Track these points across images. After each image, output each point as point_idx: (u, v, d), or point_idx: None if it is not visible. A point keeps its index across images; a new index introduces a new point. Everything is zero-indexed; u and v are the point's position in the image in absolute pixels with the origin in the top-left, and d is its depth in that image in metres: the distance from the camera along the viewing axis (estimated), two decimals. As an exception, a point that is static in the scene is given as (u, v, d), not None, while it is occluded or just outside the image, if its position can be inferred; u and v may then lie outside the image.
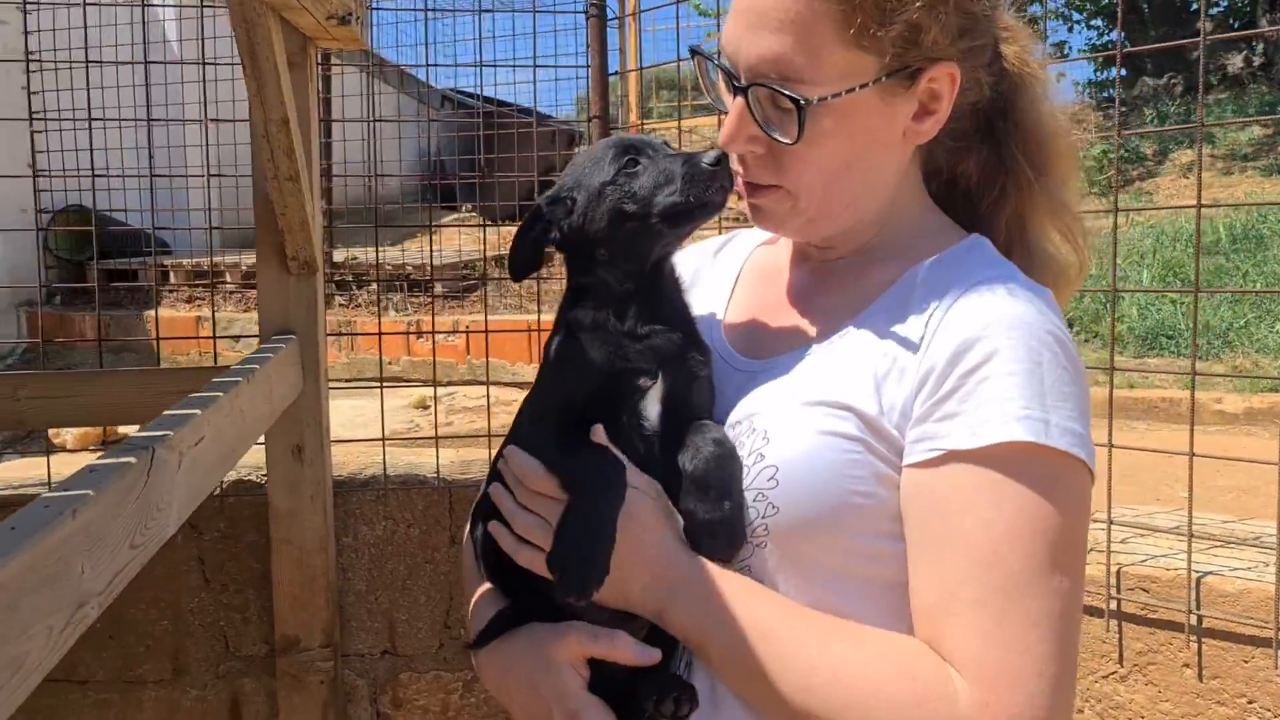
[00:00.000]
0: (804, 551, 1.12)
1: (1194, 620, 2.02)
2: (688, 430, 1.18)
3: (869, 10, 1.08)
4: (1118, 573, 2.15)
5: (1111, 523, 2.21)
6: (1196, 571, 2.04)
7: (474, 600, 1.35)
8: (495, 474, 1.28)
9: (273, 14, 2.19)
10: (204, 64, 4.12)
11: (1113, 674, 2.14)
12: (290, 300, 2.74)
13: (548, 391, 1.26)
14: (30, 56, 7.29)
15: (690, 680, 1.16)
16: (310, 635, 2.91)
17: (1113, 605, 2.15)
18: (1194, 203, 2.00)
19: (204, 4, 2.94)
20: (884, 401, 1.10)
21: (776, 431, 1.13)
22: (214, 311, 4.72)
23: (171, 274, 8.31)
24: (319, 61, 2.84)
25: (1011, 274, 1.14)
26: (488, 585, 1.34)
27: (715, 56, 1.19)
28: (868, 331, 1.15)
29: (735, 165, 1.22)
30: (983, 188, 1.28)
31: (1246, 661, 1.97)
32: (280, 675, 2.94)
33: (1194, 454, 1.99)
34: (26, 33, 7.42)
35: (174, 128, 6.48)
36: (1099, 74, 13.67)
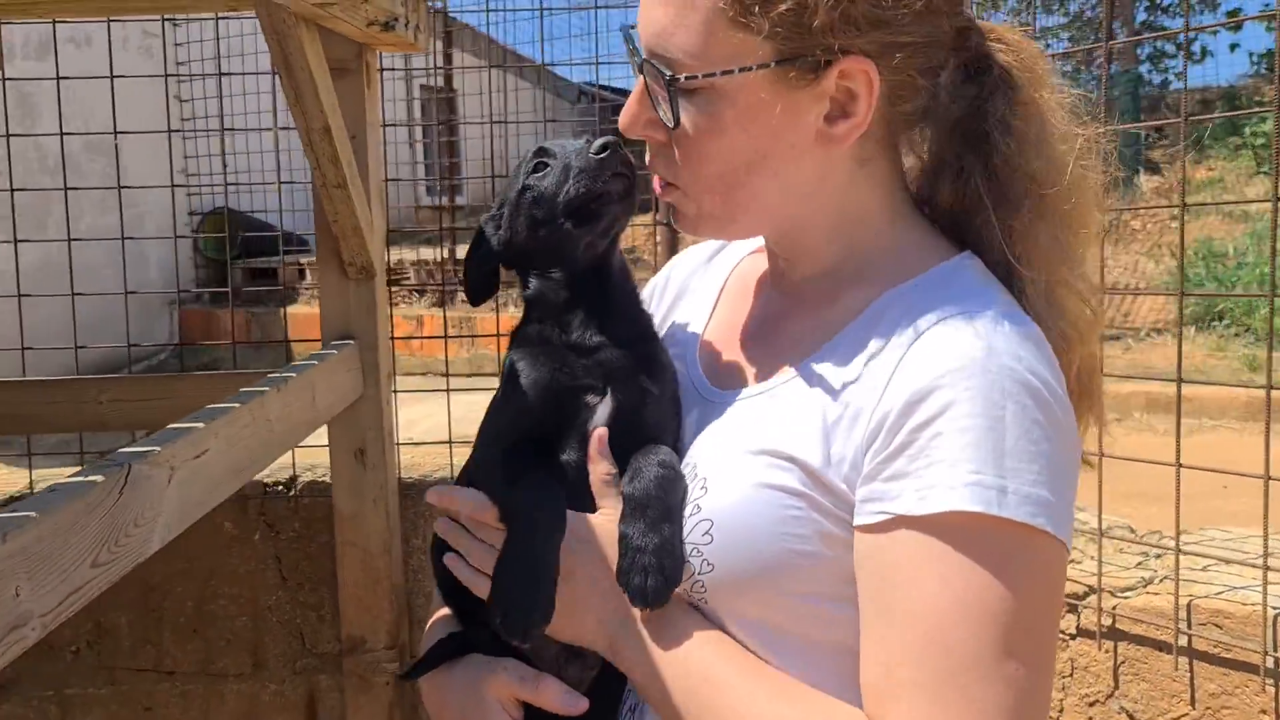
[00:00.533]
0: (743, 610, 1.03)
1: (1270, 663, 1.81)
2: (636, 452, 1.10)
3: None
4: (1189, 606, 1.95)
5: (1180, 551, 2.00)
6: (1275, 608, 1.83)
7: (429, 623, 1.31)
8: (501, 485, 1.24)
9: (305, 24, 2.19)
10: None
11: (1184, 716, 1.95)
12: (350, 305, 2.77)
13: (496, 412, 1.22)
14: (180, 69, 7.68)
15: None
16: (375, 636, 2.95)
17: (1183, 641, 1.95)
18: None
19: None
20: (833, 452, 1.00)
21: (715, 481, 1.04)
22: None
23: (308, 272, 8.64)
24: (380, 66, 2.85)
25: (991, 305, 1.00)
26: (444, 610, 1.30)
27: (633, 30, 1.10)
28: (825, 370, 1.04)
29: (648, 158, 1.13)
30: (966, 219, 1.13)
31: (1331, 711, 1.76)
32: (347, 675, 2.99)
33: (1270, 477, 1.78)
34: (176, 45, 7.82)
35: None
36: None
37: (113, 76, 3.33)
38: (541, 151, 1.14)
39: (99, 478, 1.44)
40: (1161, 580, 2.02)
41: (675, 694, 1.01)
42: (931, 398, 0.95)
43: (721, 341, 1.23)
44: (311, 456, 3.26)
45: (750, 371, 1.15)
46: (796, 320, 1.14)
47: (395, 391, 3.01)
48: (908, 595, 0.93)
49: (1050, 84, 1.11)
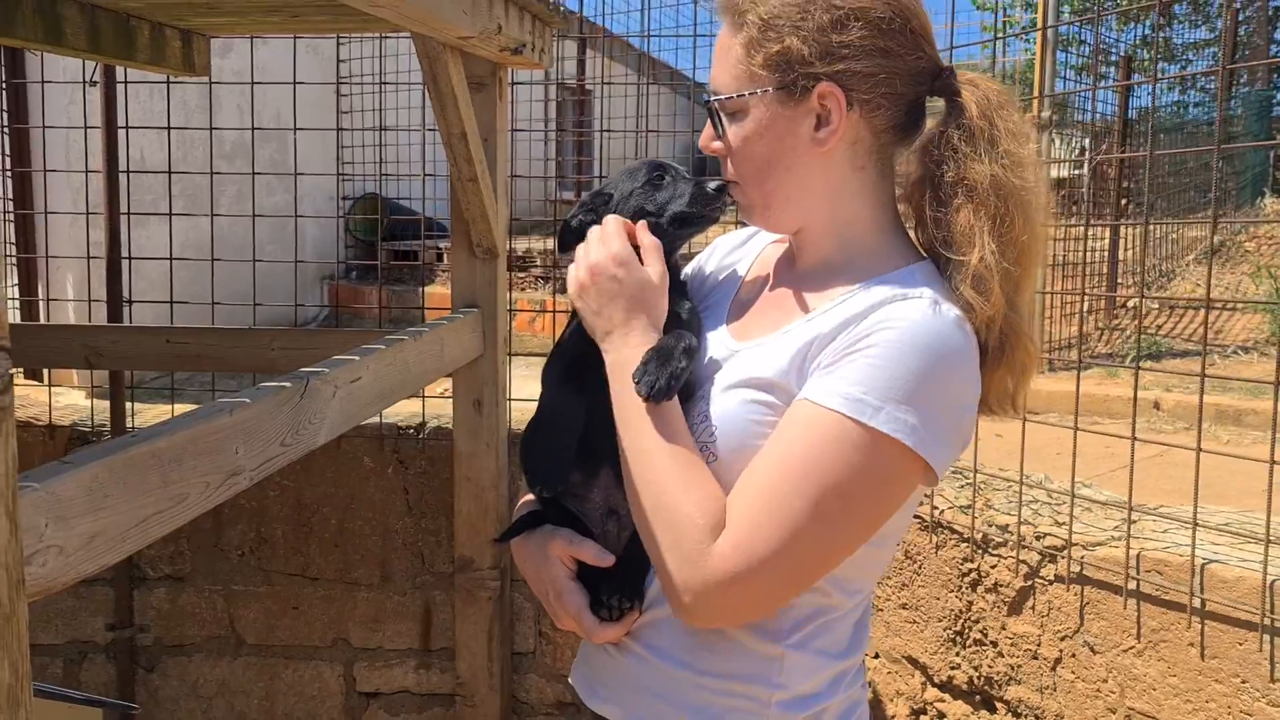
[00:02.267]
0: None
1: (1197, 603, 2.20)
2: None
3: (759, 39, 1.44)
4: (1138, 557, 2.34)
5: (1132, 509, 2.39)
6: (1201, 558, 2.21)
7: (518, 504, 1.81)
8: (548, 385, 1.70)
9: (450, 51, 2.76)
10: (545, 83, 4.91)
11: (1131, 649, 2.34)
12: (476, 279, 3.34)
13: (565, 336, 1.70)
14: (340, 79, 8.46)
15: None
16: (482, 558, 3.52)
17: (1132, 586, 2.34)
18: None
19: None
20: (802, 379, 1.45)
21: (718, 400, 1.51)
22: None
23: (445, 255, 9.38)
24: (511, 81, 3.41)
25: (933, 299, 1.37)
26: (529, 495, 1.79)
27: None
28: (807, 328, 1.48)
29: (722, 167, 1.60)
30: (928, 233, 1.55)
31: (1240, 644, 2.13)
32: (458, 590, 3.57)
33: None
34: (339, 61, 8.60)
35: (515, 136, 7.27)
36: None
37: (295, 83, 3.98)
38: (661, 168, 1.61)
39: (288, 384, 2.02)
40: (1122, 539, 2.41)
41: (625, 410, 1.44)
42: (865, 338, 1.37)
43: (744, 306, 1.69)
44: (438, 408, 3.85)
45: (758, 329, 1.60)
46: (796, 297, 1.60)
47: (510, 354, 3.57)
48: (781, 442, 1.35)
49: (1004, 115, 1.48)
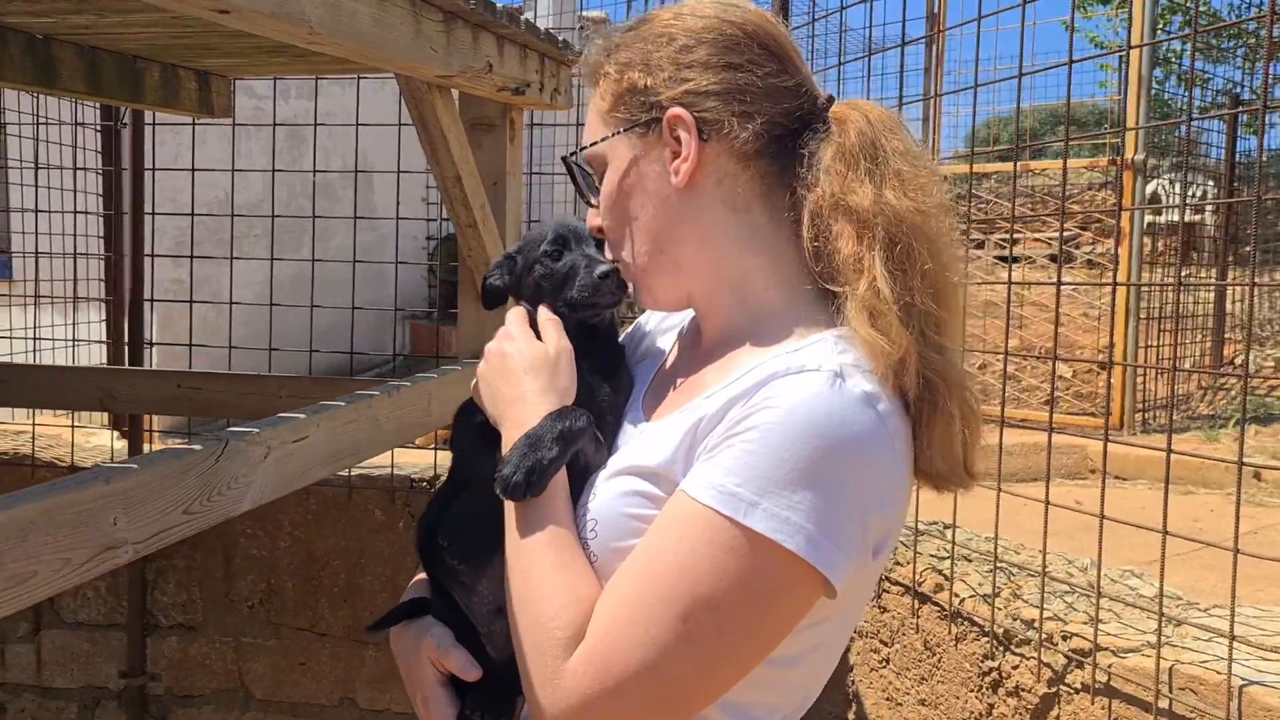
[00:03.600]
0: None
1: (1235, 732, 1.87)
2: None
3: (607, 83, 1.31)
4: (1170, 670, 2.01)
5: (1162, 616, 2.06)
6: (1240, 678, 1.88)
7: (409, 585, 1.63)
8: (452, 471, 1.56)
9: (439, 90, 2.62)
10: (578, 125, 4.79)
11: (1163, 777, 2.01)
12: (484, 330, 3.18)
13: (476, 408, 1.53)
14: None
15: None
16: (486, 622, 3.33)
17: (1163, 704, 2.01)
18: None
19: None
20: (687, 468, 1.25)
21: (599, 491, 1.32)
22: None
23: (525, 297, 9.33)
24: (529, 122, 3.26)
25: (833, 374, 1.17)
26: (420, 575, 1.61)
27: None
28: (698, 411, 1.29)
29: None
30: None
31: (1287, 786, 1.79)
32: (461, 653, 3.38)
33: None
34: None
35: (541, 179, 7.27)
36: None
37: (397, 124, 3.92)
38: (561, 240, 1.45)
39: (198, 446, 1.87)
40: (1160, 645, 2.09)
41: (509, 539, 1.27)
42: (743, 423, 1.18)
43: (662, 380, 1.50)
44: (453, 459, 3.70)
45: (665, 406, 1.41)
46: (700, 370, 1.40)
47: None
48: (651, 542, 1.17)
49: (889, 136, 1.29)
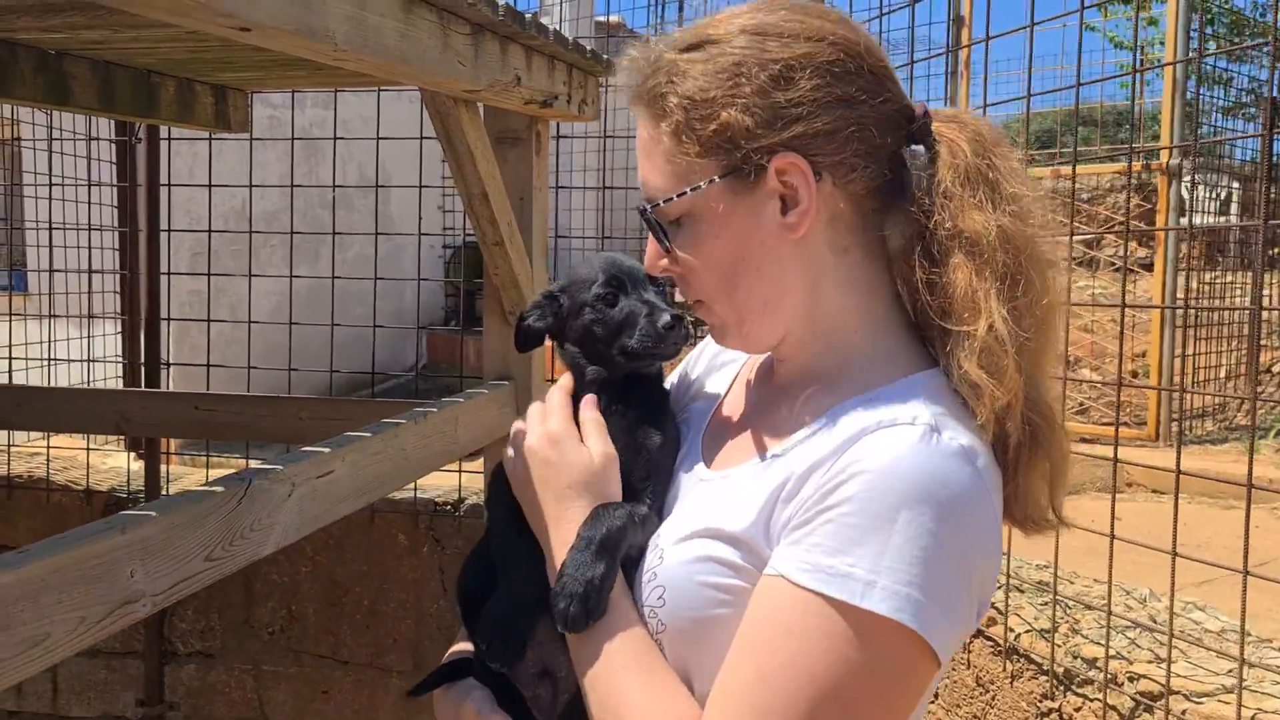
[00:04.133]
0: (698, 659, 1.19)
1: (1327, 788, 1.74)
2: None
3: (684, 119, 1.15)
4: (1254, 718, 1.89)
5: (1244, 662, 1.93)
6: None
7: (452, 648, 1.52)
8: (489, 532, 1.46)
9: (465, 105, 2.51)
10: (601, 137, 4.69)
11: (1244, 833, 1.89)
12: (509, 349, 3.06)
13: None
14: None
15: None
16: (514, 651, 3.22)
17: (1245, 755, 1.89)
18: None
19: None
20: (770, 532, 1.14)
21: (669, 553, 1.20)
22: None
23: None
24: (557, 134, 3.15)
25: (929, 424, 1.08)
26: (464, 644, 1.51)
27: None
28: (781, 463, 1.18)
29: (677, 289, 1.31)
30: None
31: None
32: (488, 683, 3.27)
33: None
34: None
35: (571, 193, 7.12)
36: None
37: (419, 138, 3.82)
38: (616, 283, 1.33)
39: (220, 488, 1.76)
40: (1239, 689, 1.96)
41: (580, 664, 1.17)
42: (841, 489, 1.06)
43: (722, 424, 1.38)
44: (477, 482, 3.59)
45: (733, 456, 1.29)
46: (773, 415, 1.28)
47: (549, 429, 3.28)
48: (759, 635, 1.06)
49: (1002, 154, 1.18)
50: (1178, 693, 2.06)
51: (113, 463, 4.01)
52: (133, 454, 4.05)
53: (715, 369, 1.48)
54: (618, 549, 1.22)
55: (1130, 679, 2.17)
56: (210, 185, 3.71)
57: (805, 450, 1.15)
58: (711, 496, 1.22)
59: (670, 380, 1.54)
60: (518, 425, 1.34)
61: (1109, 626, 2.25)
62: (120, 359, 4.81)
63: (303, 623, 3.62)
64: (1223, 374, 6.13)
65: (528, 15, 2.47)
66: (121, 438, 4.43)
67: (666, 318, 1.28)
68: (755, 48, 1.15)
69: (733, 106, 1.13)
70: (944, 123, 1.21)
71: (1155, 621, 2.40)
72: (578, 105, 2.97)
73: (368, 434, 2.27)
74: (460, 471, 3.56)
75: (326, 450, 2.10)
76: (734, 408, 1.38)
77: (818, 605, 1.03)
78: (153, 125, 3.64)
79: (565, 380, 1.35)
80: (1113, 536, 2.27)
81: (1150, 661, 2.20)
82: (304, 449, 2.09)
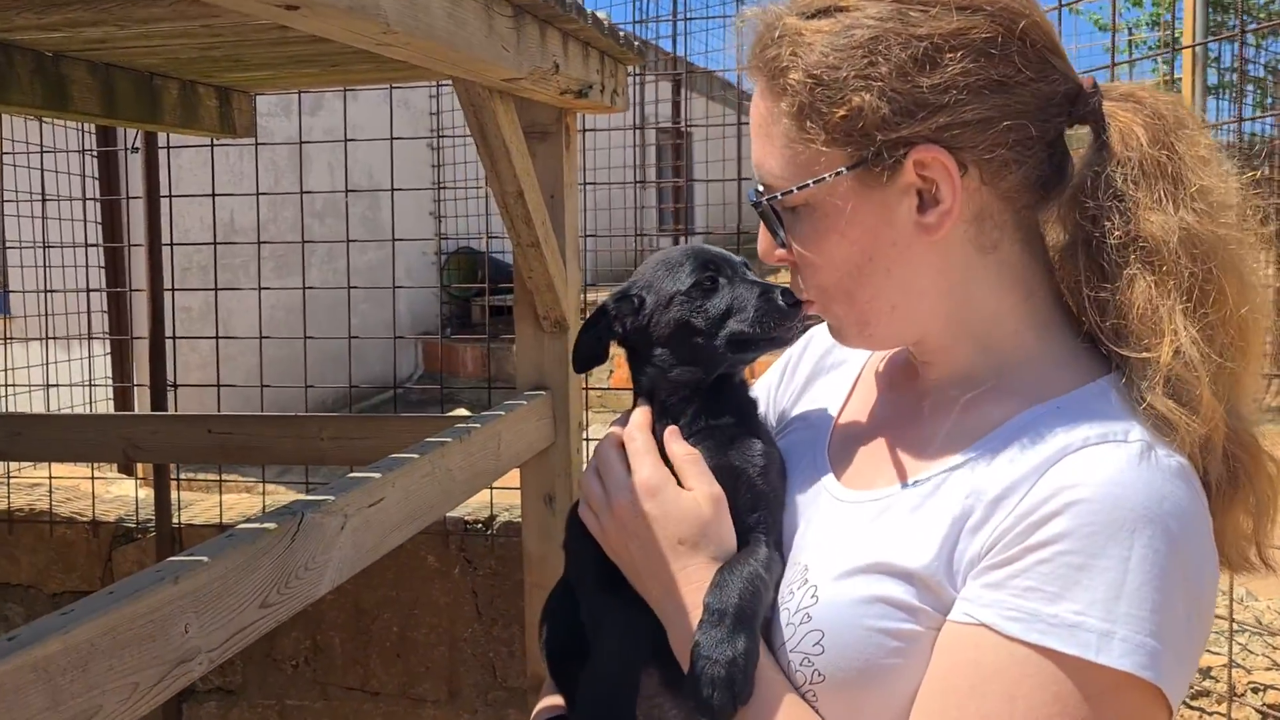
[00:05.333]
0: (854, 715, 1.02)
1: None
2: (724, 563, 1.12)
3: (809, 100, 0.99)
4: None
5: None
6: None
7: (537, 709, 1.35)
8: (569, 568, 1.29)
9: (500, 96, 2.33)
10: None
11: None
12: (544, 357, 2.89)
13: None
14: (434, 133, 8.26)
15: None
16: (558, 676, 3.04)
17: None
18: None
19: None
20: (953, 570, 0.97)
21: (826, 591, 1.03)
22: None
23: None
24: (582, 128, 2.98)
25: (1130, 436, 0.95)
26: (553, 698, 1.33)
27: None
28: (954, 484, 1.01)
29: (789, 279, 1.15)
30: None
31: None
32: (531, 711, 3.09)
33: None
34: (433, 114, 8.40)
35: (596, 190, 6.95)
36: None
37: (391, 138, 3.64)
38: (712, 265, 1.19)
39: (272, 525, 1.58)
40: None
41: None
42: (1054, 521, 0.90)
43: (853, 433, 1.20)
44: (509, 498, 3.41)
45: (878, 472, 1.11)
46: (929, 425, 1.10)
47: (586, 440, 3.10)
48: (967, 700, 0.90)
49: (1187, 138, 1.02)
50: (1315, 705, 1.91)
51: (117, 491, 3.81)
52: (138, 480, 3.84)
53: (825, 370, 1.31)
54: (755, 618, 1.05)
55: (1254, 690, 2.01)
56: (214, 195, 3.51)
57: (989, 471, 0.98)
58: (868, 523, 1.05)
59: (764, 384, 1.38)
60: (588, 479, 1.17)
61: (1230, 632, 2.10)
62: (108, 382, 4.61)
63: (329, 654, 3.43)
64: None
65: (563, -4, 2.29)
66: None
67: (789, 295, 1.13)
68: (895, 20, 0.98)
69: (866, 90, 0.96)
70: (1116, 102, 1.03)
71: (1260, 624, 2.25)
72: (610, 96, 2.80)
73: (415, 455, 2.09)
74: (491, 487, 3.37)
75: (376, 476, 1.92)
76: (864, 414, 1.20)
77: (1039, 662, 0.87)
78: (150, 134, 3.44)
79: (641, 414, 1.18)
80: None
81: (1270, 669, 2.04)
82: (352, 475, 1.91)
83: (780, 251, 1.10)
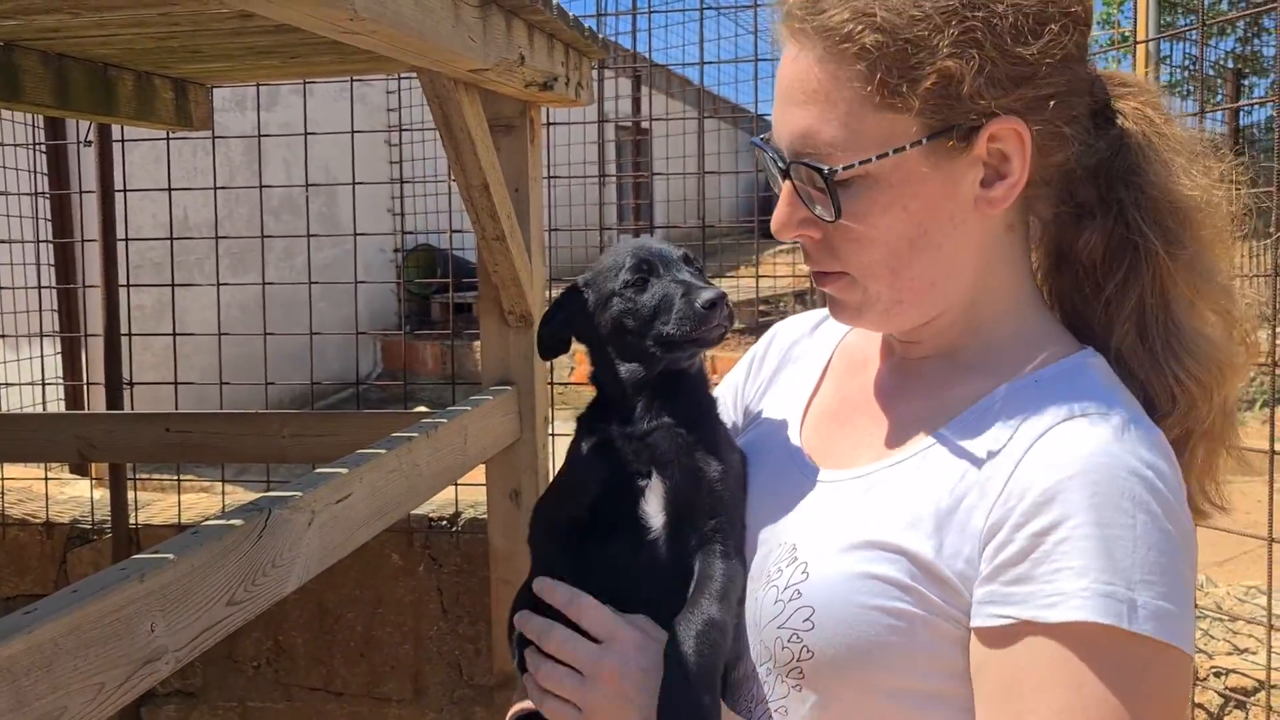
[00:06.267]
0: (842, 697, 1.01)
1: None
2: (694, 561, 1.10)
3: (890, 65, 0.95)
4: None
5: None
6: None
7: (511, 711, 1.33)
8: (534, 566, 1.28)
9: (465, 88, 2.31)
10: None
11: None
12: (509, 352, 2.87)
13: (552, 500, 1.25)
14: (393, 128, 8.18)
15: None
16: (525, 673, 3.02)
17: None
18: None
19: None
20: (945, 544, 0.97)
21: (817, 567, 1.02)
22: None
23: (501, 307, 9.01)
24: (546, 121, 2.96)
25: (1115, 407, 0.98)
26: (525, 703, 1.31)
27: (767, 142, 1.10)
28: (937, 460, 1.02)
29: (804, 254, 1.12)
30: (1108, 267, 1.08)
31: None
32: (499, 709, 3.07)
33: None
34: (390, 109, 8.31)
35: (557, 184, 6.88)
36: None
37: (352, 131, 3.59)
38: (645, 266, 1.17)
39: (239, 521, 1.55)
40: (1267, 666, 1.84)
41: None
42: (1057, 501, 0.91)
43: (827, 416, 1.20)
44: (473, 495, 3.39)
45: (857, 452, 1.11)
46: (909, 402, 1.11)
47: (552, 435, 3.09)
48: (1037, 706, 0.90)
49: (1174, 120, 1.08)
50: (1278, 686, 1.94)
51: (71, 492, 3.73)
52: (93, 481, 3.77)
53: (792, 361, 1.31)
54: (719, 667, 1.04)
55: (1215, 674, 2.04)
56: (169, 189, 3.45)
57: (974, 445, 1.00)
58: (856, 500, 1.05)
59: (731, 381, 1.37)
60: (547, 668, 1.12)
61: (1269, 643, 2.13)
62: (61, 381, 4.52)
63: (291, 654, 3.38)
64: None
65: (530, -14, 2.27)
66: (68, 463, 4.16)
67: (707, 295, 1.11)
68: None
69: (960, 57, 0.94)
70: (1121, 90, 1.07)
71: (1220, 609, 2.28)
72: (574, 89, 2.78)
73: (381, 450, 2.06)
74: (456, 484, 3.35)
75: (343, 471, 1.89)
76: (838, 399, 1.20)
77: (1085, 637, 0.89)
78: (104, 127, 3.38)
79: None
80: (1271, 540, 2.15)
81: (1231, 654, 2.07)
82: (319, 470, 1.88)
83: (801, 229, 1.06)
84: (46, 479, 3.60)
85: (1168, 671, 0.90)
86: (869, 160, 0.98)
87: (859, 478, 1.07)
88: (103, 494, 3.65)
